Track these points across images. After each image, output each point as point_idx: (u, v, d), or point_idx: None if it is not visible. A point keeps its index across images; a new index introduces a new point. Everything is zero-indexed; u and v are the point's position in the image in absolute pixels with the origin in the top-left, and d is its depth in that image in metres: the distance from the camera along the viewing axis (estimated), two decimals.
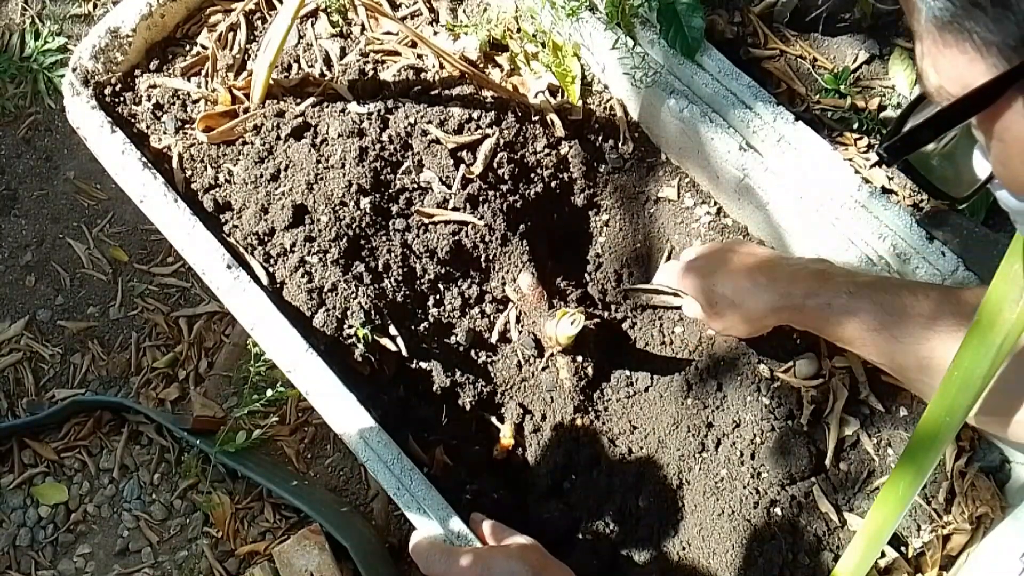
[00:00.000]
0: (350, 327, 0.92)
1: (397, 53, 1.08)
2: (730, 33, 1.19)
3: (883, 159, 0.52)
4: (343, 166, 0.96)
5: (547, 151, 1.05)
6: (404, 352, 0.94)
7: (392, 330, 0.94)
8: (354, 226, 0.95)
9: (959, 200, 0.57)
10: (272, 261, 0.96)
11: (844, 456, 0.99)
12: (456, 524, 0.86)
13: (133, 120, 1.01)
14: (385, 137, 0.99)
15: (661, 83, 1.03)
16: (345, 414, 0.88)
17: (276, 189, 0.96)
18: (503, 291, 1.02)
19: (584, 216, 1.10)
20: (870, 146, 1.15)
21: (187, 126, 1.01)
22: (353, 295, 0.93)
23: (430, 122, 1.00)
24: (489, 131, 1.01)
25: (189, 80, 1.04)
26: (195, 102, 1.03)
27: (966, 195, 0.56)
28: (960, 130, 0.50)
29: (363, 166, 0.96)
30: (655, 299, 1.05)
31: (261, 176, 0.97)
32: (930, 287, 0.83)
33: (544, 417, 0.99)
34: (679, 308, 1.04)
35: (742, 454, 0.98)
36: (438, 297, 0.99)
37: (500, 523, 0.88)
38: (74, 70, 0.99)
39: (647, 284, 1.06)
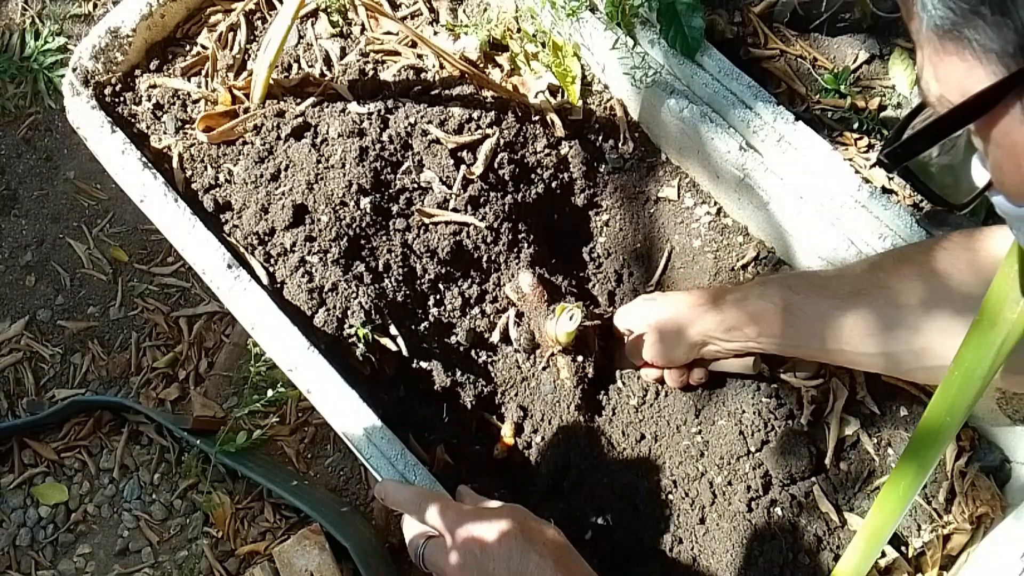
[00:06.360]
0: (350, 327, 0.92)
1: (397, 53, 1.08)
2: (730, 33, 1.19)
3: (884, 165, 0.53)
4: (343, 166, 0.96)
5: (547, 151, 1.05)
6: (404, 352, 0.94)
7: (392, 330, 0.94)
8: (354, 226, 0.95)
9: (958, 207, 0.58)
10: (272, 261, 0.96)
11: (844, 456, 0.99)
12: None
13: (133, 120, 1.01)
14: (385, 137, 0.99)
15: (661, 83, 1.03)
16: (347, 412, 0.88)
17: (276, 189, 0.96)
18: (503, 291, 1.02)
19: (584, 216, 1.10)
20: (870, 146, 1.15)
21: (187, 126, 1.01)
22: (353, 295, 0.93)
23: (430, 122, 1.00)
24: (489, 131, 1.01)
25: (189, 80, 1.04)
26: (195, 102, 1.03)
27: (965, 202, 0.57)
28: (959, 137, 0.51)
29: (363, 166, 0.96)
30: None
31: (261, 176, 0.97)
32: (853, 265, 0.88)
33: (544, 417, 0.99)
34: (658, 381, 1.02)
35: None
36: (438, 297, 0.99)
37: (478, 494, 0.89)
38: (74, 70, 0.99)
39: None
